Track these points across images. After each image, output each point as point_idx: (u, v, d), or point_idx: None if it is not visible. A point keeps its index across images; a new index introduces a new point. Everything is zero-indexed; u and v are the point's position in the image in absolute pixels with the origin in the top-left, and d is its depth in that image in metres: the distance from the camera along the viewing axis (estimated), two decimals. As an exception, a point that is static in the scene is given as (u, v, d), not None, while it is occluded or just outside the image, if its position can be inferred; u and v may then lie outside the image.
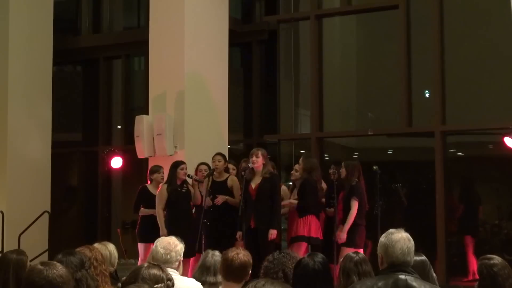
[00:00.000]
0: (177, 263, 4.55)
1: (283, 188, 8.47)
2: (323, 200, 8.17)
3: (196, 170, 8.46)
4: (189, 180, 8.29)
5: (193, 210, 8.28)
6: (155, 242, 4.65)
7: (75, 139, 13.66)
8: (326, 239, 7.90)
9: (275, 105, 11.29)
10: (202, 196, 8.21)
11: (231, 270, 4.15)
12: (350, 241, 7.71)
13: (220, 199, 8.11)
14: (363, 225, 7.87)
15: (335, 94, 10.90)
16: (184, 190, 8.19)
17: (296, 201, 7.96)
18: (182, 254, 4.59)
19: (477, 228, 9.60)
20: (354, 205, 7.76)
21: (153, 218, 8.29)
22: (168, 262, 4.45)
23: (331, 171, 8.22)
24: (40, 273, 3.06)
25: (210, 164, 8.36)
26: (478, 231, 9.58)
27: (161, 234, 7.74)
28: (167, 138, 9.33)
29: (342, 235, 7.69)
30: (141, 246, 8.48)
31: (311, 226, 7.80)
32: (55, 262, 3.24)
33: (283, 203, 8.03)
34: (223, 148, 9.72)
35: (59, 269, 3.10)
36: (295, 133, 11.10)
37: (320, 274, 3.90)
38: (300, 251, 7.44)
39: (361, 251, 7.59)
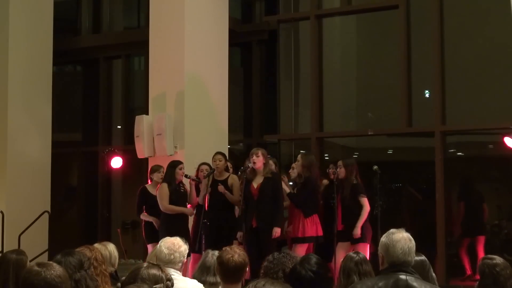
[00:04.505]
0: (180, 264, 4.55)
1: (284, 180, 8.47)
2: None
3: (198, 170, 8.45)
4: (186, 181, 8.28)
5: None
6: (160, 242, 4.64)
7: (75, 139, 13.65)
8: (326, 238, 7.92)
9: (275, 105, 11.28)
10: (200, 195, 8.22)
11: (227, 272, 4.13)
12: (362, 237, 7.77)
13: (221, 188, 8.07)
14: (368, 221, 7.92)
15: (335, 94, 10.89)
16: (182, 190, 8.20)
17: (287, 189, 7.95)
18: (185, 255, 4.58)
19: (477, 228, 9.58)
20: (365, 202, 7.82)
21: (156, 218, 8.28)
22: (171, 263, 4.44)
23: (330, 170, 8.26)
24: (38, 274, 3.05)
25: (211, 164, 8.35)
26: (479, 232, 9.56)
27: (189, 213, 8.16)
28: (167, 138, 9.33)
29: (357, 231, 7.72)
30: (150, 247, 8.47)
31: (317, 225, 7.83)
32: (51, 262, 3.23)
33: (286, 203, 8.01)
34: (223, 148, 9.72)
35: (56, 270, 3.09)
36: (295, 133, 11.10)
37: (314, 281, 3.84)
38: (303, 252, 7.44)
39: (367, 246, 7.66)
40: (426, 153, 10.09)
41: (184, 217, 8.19)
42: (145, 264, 3.59)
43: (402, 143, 10.63)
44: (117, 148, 12.57)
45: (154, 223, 8.40)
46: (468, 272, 9.30)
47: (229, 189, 8.17)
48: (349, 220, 7.82)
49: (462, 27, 10.03)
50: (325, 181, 8.43)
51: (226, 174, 8.31)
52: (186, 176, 8.22)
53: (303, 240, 7.77)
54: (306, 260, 3.88)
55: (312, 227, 7.80)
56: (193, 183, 8.24)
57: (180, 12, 9.61)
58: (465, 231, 9.70)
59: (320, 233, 7.85)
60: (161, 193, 8.11)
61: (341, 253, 7.47)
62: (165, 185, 8.11)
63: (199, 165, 8.48)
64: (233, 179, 8.23)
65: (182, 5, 9.61)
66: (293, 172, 8.40)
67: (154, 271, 3.51)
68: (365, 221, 7.85)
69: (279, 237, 7.74)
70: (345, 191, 7.92)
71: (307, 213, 7.82)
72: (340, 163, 8.03)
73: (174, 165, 8.20)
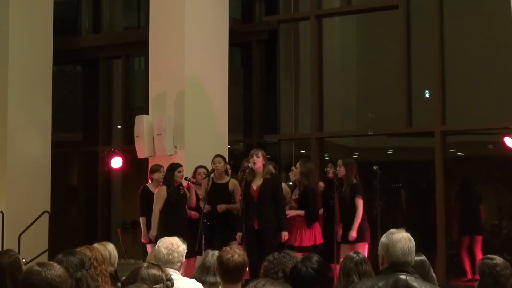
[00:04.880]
0: (179, 264, 4.55)
1: (284, 186, 8.46)
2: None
3: (194, 173, 8.46)
4: (185, 183, 8.29)
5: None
6: (158, 242, 4.65)
7: (75, 139, 13.65)
8: (325, 239, 7.91)
9: (275, 105, 11.28)
10: (199, 198, 8.22)
11: (227, 272, 4.14)
12: (361, 237, 7.78)
13: (222, 208, 8.09)
14: (366, 220, 7.91)
15: (335, 94, 10.89)
16: (182, 192, 8.20)
17: (302, 212, 7.93)
18: (184, 255, 4.59)
19: (477, 228, 9.58)
20: (360, 204, 7.81)
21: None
22: (170, 263, 4.44)
23: (328, 169, 8.28)
24: (38, 274, 3.06)
25: (210, 166, 8.35)
26: (478, 231, 9.56)
27: (150, 233, 8.10)
28: (167, 138, 9.33)
29: (352, 233, 7.72)
30: (149, 247, 8.49)
31: (316, 234, 7.84)
32: (51, 262, 3.24)
33: (289, 214, 7.99)
34: (223, 148, 9.72)
35: (57, 269, 3.11)
36: (295, 133, 11.10)
37: (314, 279, 3.86)
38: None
39: (367, 245, 7.65)
40: (426, 153, 10.09)
41: (182, 218, 8.17)
42: (145, 264, 3.59)
43: (402, 143, 10.63)
44: (117, 148, 12.57)
45: (142, 234, 8.51)
46: (469, 276, 9.28)
47: (230, 194, 8.19)
48: (347, 220, 7.82)
49: (462, 28, 10.02)
50: (321, 184, 8.42)
51: (226, 178, 8.32)
52: (185, 178, 8.22)
53: (298, 249, 7.75)
54: (307, 258, 3.97)
55: (311, 237, 7.80)
56: (193, 186, 8.24)
57: (180, 12, 9.61)
58: (463, 231, 9.70)
59: (319, 241, 7.84)
60: (157, 195, 8.15)
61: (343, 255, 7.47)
62: (164, 188, 8.13)
63: (196, 168, 8.50)
64: (234, 185, 8.24)
65: (182, 5, 9.60)
66: (293, 175, 8.41)
67: (154, 271, 3.51)
68: (364, 220, 7.85)
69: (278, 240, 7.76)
70: (345, 191, 7.92)
71: (309, 223, 7.83)
72: (340, 162, 8.03)
73: (173, 168, 8.21)
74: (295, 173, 8.17)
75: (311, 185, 7.96)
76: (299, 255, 7.26)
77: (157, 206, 8.07)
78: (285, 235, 7.59)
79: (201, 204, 8.12)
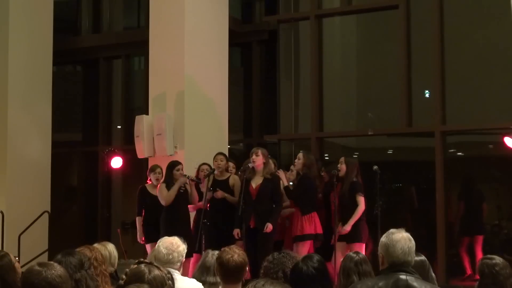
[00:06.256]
0: (179, 264, 4.54)
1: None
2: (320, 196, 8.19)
3: (198, 170, 8.46)
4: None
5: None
6: (158, 242, 4.64)
7: (75, 139, 13.66)
8: (325, 237, 7.90)
9: (275, 105, 11.29)
10: (203, 193, 8.21)
11: (227, 272, 4.14)
12: (357, 236, 7.72)
13: (220, 193, 8.08)
14: (365, 220, 7.88)
15: (335, 94, 10.89)
16: (182, 191, 8.19)
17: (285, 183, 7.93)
18: (184, 255, 4.58)
19: (477, 228, 9.58)
20: (361, 201, 7.77)
21: (155, 218, 8.28)
22: (170, 263, 4.44)
23: (323, 174, 8.28)
24: (39, 274, 3.05)
25: (212, 164, 8.35)
26: (478, 231, 9.56)
27: (182, 181, 8.03)
28: (167, 138, 9.34)
29: (347, 227, 7.67)
30: (148, 247, 8.49)
31: (316, 223, 7.81)
32: (52, 262, 3.23)
33: (284, 214, 8.01)
34: (223, 148, 9.73)
35: (57, 269, 3.10)
36: (295, 133, 11.10)
37: (315, 278, 3.88)
38: (305, 250, 7.45)
39: (363, 246, 7.64)
40: (426, 153, 10.09)
41: (185, 218, 8.16)
42: (145, 267, 3.52)
43: (402, 143, 10.63)
44: (117, 148, 12.58)
45: (138, 236, 8.53)
46: (468, 272, 9.30)
47: (231, 189, 8.17)
48: (344, 218, 7.80)
49: (462, 28, 10.02)
50: (325, 175, 8.41)
51: (227, 174, 8.32)
52: (185, 176, 8.22)
53: (302, 238, 7.76)
54: (308, 257, 3.98)
55: (311, 225, 7.78)
56: (193, 183, 8.24)
57: (180, 12, 9.62)
58: (464, 231, 9.70)
59: (319, 231, 7.82)
60: (160, 193, 8.15)
61: (338, 252, 7.47)
62: (163, 185, 8.16)
63: (200, 165, 8.50)
64: (234, 180, 8.23)
65: (182, 5, 9.61)
66: (292, 174, 8.40)
67: (156, 272, 3.48)
68: (362, 220, 7.81)
69: (276, 237, 7.75)
70: (344, 188, 7.89)
71: (304, 211, 7.82)
72: (342, 159, 8.00)
73: (172, 166, 8.23)
74: (296, 164, 8.15)
75: (310, 174, 7.93)
76: (302, 248, 7.36)
77: (164, 195, 8.03)
78: (268, 226, 7.55)
79: (205, 206, 8.09)
